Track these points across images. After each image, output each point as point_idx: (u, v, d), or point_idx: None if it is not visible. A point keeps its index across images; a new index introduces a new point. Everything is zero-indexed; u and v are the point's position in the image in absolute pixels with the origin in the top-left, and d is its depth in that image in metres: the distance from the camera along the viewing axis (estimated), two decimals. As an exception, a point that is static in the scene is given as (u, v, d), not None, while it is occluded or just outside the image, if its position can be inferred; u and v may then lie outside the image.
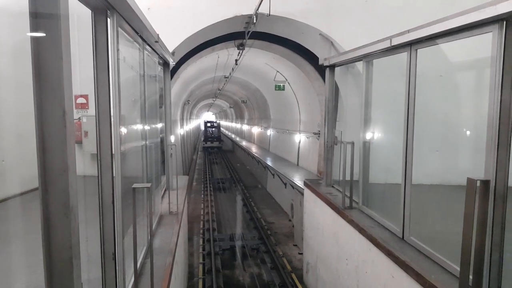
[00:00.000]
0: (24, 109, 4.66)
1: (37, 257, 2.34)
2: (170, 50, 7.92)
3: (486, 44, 3.75)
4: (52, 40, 1.95)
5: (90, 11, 3.03)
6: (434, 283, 4.07)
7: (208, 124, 54.45)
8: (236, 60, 15.16)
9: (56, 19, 1.95)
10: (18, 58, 4.69)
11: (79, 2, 2.78)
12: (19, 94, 5.16)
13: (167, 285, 4.37)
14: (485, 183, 3.52)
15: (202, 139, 52.31)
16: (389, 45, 5.49)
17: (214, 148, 49.18)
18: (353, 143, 6.96)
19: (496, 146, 3.58)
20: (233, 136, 50.76)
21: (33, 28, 1.94)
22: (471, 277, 3.63)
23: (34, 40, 1.94)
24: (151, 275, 3.78)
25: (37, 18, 1.95)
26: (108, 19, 3.18)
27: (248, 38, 11.05)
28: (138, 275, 3.99)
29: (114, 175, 3.28)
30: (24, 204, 6.04)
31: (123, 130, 3.71)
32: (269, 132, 26.26)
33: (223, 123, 65.40)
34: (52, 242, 2.09)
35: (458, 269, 3.78)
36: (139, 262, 4.31)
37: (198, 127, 68.63)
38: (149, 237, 4.40)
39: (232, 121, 55.84)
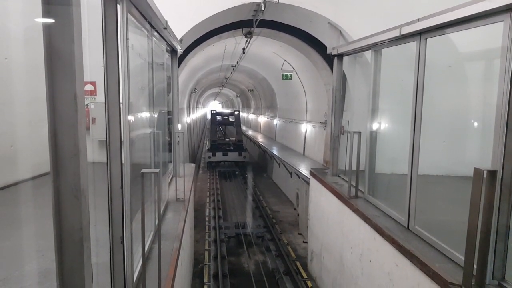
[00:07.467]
0: (33, 95, 4.71)
1: (47, 241, 2.40)
2: (178, 37, 7.91)
3: (496, 33, 3.72)
4: (64, 24, 1.96)
5: (100, -4, 3.03)
6: (438, 271, 4.10)
7: (219, 118, 29.78)
8: (244, 49, 15.10)
9: (68, 4, 1.96)
10: (29, 43, 4.73)
11: (89, -13, 2.79)
12: (29, 80, 5.21)
13: (174, 270, 4.43)
14: (492, 173, 3.52)
15: (207, 146, 28.15)
16: (398, 34, 5.44)
17: (227, 163, 25.65)
18: (360, 133, 6.95)
19: (504, 136, 3.56)
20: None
21: (45, 13, 1.96)
22: (475, 266, 3.65)
23: (46, 24, 1.96)
24: (159, 260, 3.84)
25: (49, 4, 1.96)
26: (118, 5, 3.18)
27: (256, 26, 10.99)
28: (145, 259, 4.06)
29: (123, 161, 3.31)
30: (34, 189, 6.13)
31: (132, 117, 3.73)
32: (276, 121, 26.21)
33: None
34: (63, 224, 2.13)
35: (463, 258, 3.80)
36: (147, 246, 4.38)
37: (203, 119, 49.20)
38: (156, 222, 4.46)
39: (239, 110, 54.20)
